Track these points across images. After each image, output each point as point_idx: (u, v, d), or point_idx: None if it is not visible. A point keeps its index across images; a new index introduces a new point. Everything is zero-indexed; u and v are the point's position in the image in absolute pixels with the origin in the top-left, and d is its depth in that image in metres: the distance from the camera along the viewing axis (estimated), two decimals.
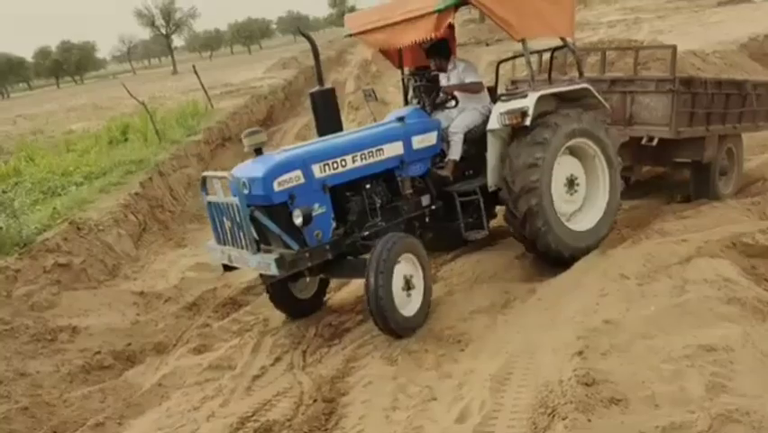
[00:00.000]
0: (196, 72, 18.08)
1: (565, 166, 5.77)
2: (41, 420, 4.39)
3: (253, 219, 4.69)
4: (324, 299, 5.94)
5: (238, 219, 4.67)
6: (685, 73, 7.06)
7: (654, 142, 6.73)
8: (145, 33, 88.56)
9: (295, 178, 4.77)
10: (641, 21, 26.23)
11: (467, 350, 4.55)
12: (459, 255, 6.42)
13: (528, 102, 5.48)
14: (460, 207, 5.72)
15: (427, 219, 5.74)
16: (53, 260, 6.51)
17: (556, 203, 5.57)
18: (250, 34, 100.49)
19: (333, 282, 6.18)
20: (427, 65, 6.30)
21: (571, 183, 5.83)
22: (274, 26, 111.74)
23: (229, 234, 4.84)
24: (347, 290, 6.17)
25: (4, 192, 9.27)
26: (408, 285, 4.91)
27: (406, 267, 4.89)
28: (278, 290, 5.57)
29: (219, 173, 4.92)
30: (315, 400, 4.20)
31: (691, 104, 6.81)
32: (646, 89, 6.80)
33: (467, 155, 5.90)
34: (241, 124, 16.49)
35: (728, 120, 7.36)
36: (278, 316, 5.94)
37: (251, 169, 4.80)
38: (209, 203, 4.96)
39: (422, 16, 5.35)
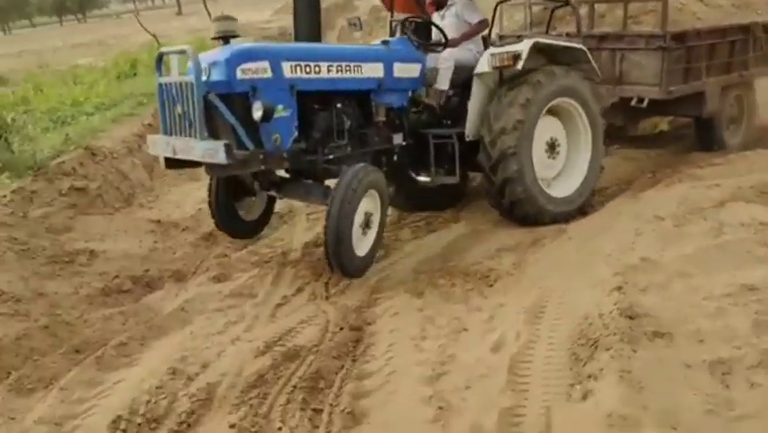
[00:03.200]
0: (207, 10, 17.63)
1: (546, 128, 5.51)
2: (62, 339, 4.31)
3: (207, 106, 4.25)
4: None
5: (191, 100, 4.24)
6: (679, 26, 6.54)
7: (645, 104, 6.40)
8: None
9: (261, 69, 4.38)
10: None
11: (496, 285, 4.46)
12: (482, 196, 6.30)
13: (523, 46, 5.24)
14: (433, 148, 5.41)
15: (395, 157, 5.45)
16: (69, 183, 6.37)
17: (536, 168, 5.34)
18: None
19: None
20: (419, 16, 5.96)
21: (552, 147, 5.56)
22: None
23: (177, 122, 4.42)
24: None
25: (12, 120, 9.08)
26: (367, 223, 4.70)
27: (368, 203, 4.67)
28: (224, 210, 5.34)
29: (177, 47, 4.53)
30: (341, 328, 4.11)
31: (686, 59, 6.48)
32: (636, 46, 6.43)
33: (448, 103, 5.58)
34: None
35: (733, 68, 6.99)
36: (296, 249, 5.85)
37: (214, 54, 4.41)
38: (161, 85, 4.51)
39: None
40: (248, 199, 5.29)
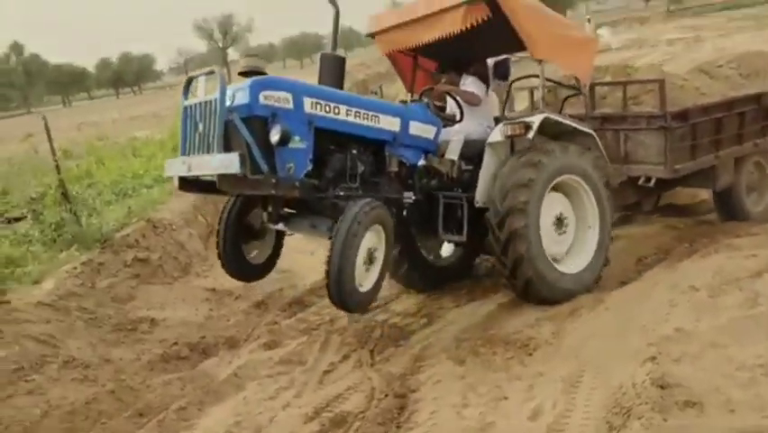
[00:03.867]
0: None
1: (555, 203, 5.57)
2: (128, 403, 4.64)
3: (228, 129, 4.39)
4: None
5: (213, 117, 4.37)
6: (679, 105, 6.42)
7: (652, 183, 6.43)
8: (202, 46, 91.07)
9: (283, 99, 4.53)
10: (701, 39, 25.77)
11: (535, 354, 4.61)
12: None
13: (534, 118, 5.40)
14: (443, 207, 5.54)
15: (405, 212, 5.50)
16: (133, 255, 6.85)
17: (544, 240, 5.36)
18: (302, 48, 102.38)
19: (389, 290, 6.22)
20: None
21: (560, 222, 5.62)
22: (326, 41, 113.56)
23: (197, 142, 4.51)
24: (412, 295, 6.33)
25: (78, 193, 9.72)
26: (370, 258, 4.64)
27: (372, 238, 4.63)
28: (232, 253, 5.26)
29: (206, 69, 4.71)
30: (386, 395, 4.33)
31: (691, 135, 6.42)
32: (638, 126, 6.42)
33: (460, 175, 5.70)
34: None
35: (746, 139, 6.91)
36: (342, 316, 6.13)
37: (240, 84, 4.57)
38: (186, 108, 4.64)
39: (448, 9, 5.30)
40: (256, 242, 5.35)
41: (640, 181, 6.47)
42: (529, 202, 5.21)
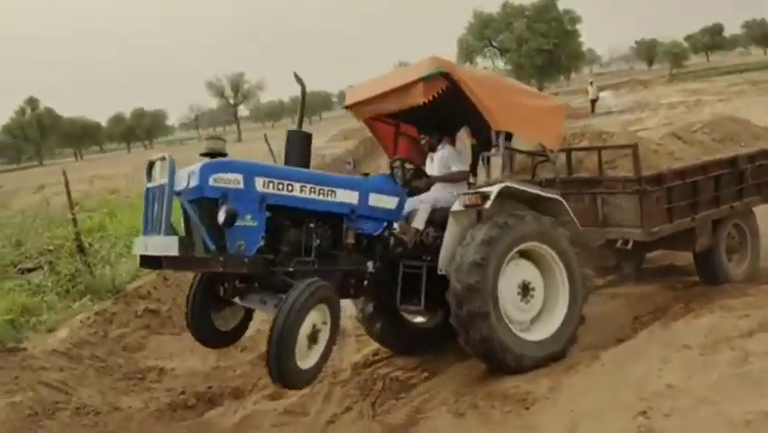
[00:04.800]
0: (267, 141, 19.06)
1: (520, 271, 5.58)
2: None
3: (184, 212, 4.68)
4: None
5: (163, 200, 4.61)
6: (653, 169, 6.47)
7: (629, 246, 6.52)
8: (212, 103, 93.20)
9: (234, 180, 4.71)
10: (702, 103, 26.37)
11: (532, 409, 4.74)
12: None
13: (492, 188, 5.42)
14: (401, 276, 5.57)
15: (366, 282, 5.55)
16: (144, 306, 7.07)
17: (507, 309, 5.41)
18: (310, 106, 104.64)
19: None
20: (412, 161, 6.12)
21: (525, 289, 5.60)
22: (334, 99, 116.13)
23: (154, 222, 4.73)
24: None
25: (90, 245, 9.98)
26: (314, 337, 4.65)
27: (316, 318, 4.66)
28: (197, 316, 5.35)
29: (161, 155, 4.89)
30: None
31: (667, 198, 6.50)
32: (614, 190, 6.49)
33: (428, 240, 5.79)
34: None
35: (724, 201, 6.97)
36: (345, 369, 6.28)
37: (195, 165, 4.75)
38: (147, 189, 4.88)
39: (408, 85, 5.45)
40: (225, 311, 5.44)
41: (618, 244, 6.56)
42: (485, 281, 5.19)
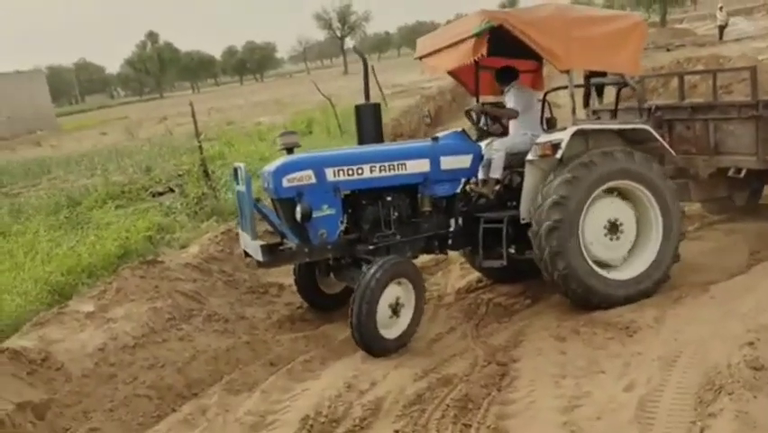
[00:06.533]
0: (374, 72, 19.26)
1: (608, 209, 5.47)
2: (261, 353, 5.32)
3: (258, 209, 5.25)
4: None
5: (245, 206, 5.22)
6: None
7: (742, 174, 6.21)
8: (321, 35, 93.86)
9: (306, 177, 5.08)
10: None
11: (635, 336, 4.82)
12: None
13: (563, 135, 5.32)
14: (482, 233, 5.60)
15: (450, 241, 5.75)
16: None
17: (592, 247, 5.36)
18: (418, 36, 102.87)
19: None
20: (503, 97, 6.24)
21: (613, 227, 5.48)
22: (442, 27, 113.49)
23: (245, 221, 5.35)
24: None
25: (213, 172, 10.70)
26: (395, 310, 5.00)
27: (394, 292, 4.97)
28: (304, 279, 5.94)
29: (241, 164, 5.41)
30: (489, 363, 4.71)
31: None
32: (729, 115, 6.24)
33: (512, 185, 5.80)
34: (412, 121, 17.42)
35: None
36: (449, 293, 6.54)
37: (272, 164, 5.27)
38: (237, 192, 5.49)
39: (462, 41, 5.37)
40: (329, 277, 5.84)
41: (730, 173, 6.33)
42: (564, 220, 5.18)
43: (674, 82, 6.67)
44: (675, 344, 4.42)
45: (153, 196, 10.85)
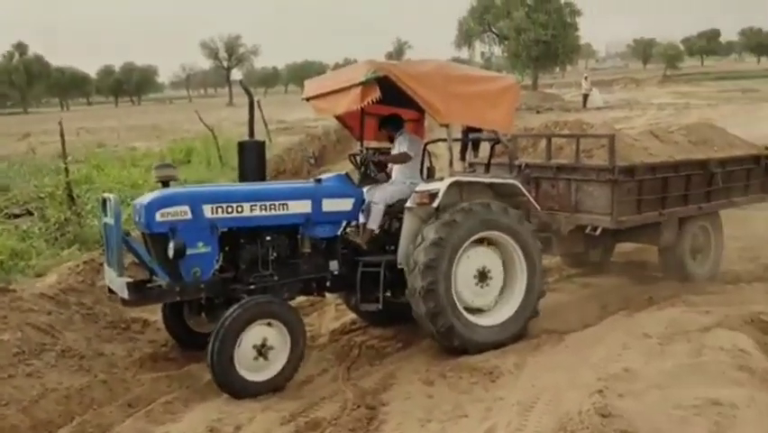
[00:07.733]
0: (259, 107, 19.12)
1: (480, 258, 5.75)
2: (118, 394, 5.00)
3: (128, 243, 5.08)
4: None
5: (113, 241, 5.03)
6: (628, 162, 6.69)
7: (598, 232, 6.79)
8: (206, 64, 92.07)
9: (181, 212, 4.93)
10: (690, 107, 26.72)
11: (497, 382, 5.05)
12: None
13: (440, 185, 5.54)
14: (360, 276, 5.68)
15: (329, 283, 5.76)
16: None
17: (462, 292, 5.62)
18: (305, 75, 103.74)
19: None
20: (387, 143, 6.41)
21: (482, 275, 5.76)
22: (330, 71, 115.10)
23: (111, 257, 5.16)
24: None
25: (78, 196, 10.08)
26: (261, 352, 4.92)
27: (261, 333, 4.91)
28: (171, 316, 5.72)
29: (111, 195, 5.21)
30: (358, 406, 4.73)
31: (638, 191, 6.75)
32: (589, 177, 6.76)
33: (391, 229, 5.96)
34: (295, 159, 17.39)
35: (691, 201, 7.23)
36: (324, 334, 6.53)
37: (145, 197, 5.11)
38: (105, 224, 5.24)
39: (350, 87, 5.48)
40: (200, 316, 5.66)
41: (587, 230, 6.85)
42: (437, 282, 5.36)
43: (543, 143, 7.14)
44: (533, 390, 4.65)
45: (9, 217, 10.00)
